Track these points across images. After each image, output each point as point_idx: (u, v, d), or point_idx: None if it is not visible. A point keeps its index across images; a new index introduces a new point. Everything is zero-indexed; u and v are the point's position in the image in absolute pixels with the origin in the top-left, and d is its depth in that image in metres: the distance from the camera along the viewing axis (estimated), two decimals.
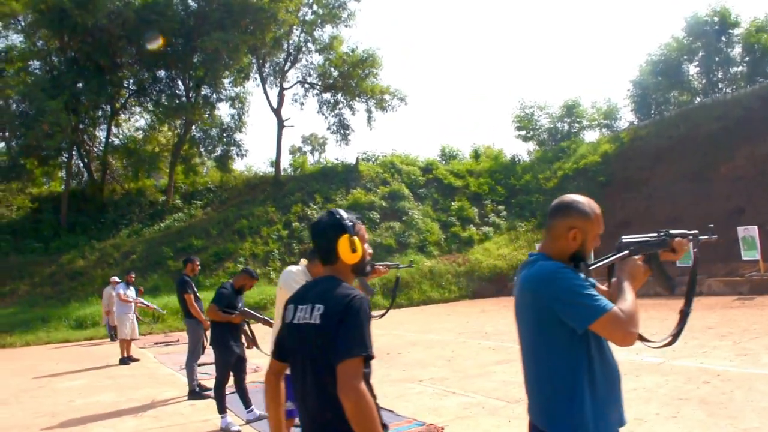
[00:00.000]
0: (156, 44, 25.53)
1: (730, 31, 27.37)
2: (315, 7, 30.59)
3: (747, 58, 27.38)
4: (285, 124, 30.86)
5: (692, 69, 29.47)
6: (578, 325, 2.09)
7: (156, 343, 14.55)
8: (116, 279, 16.05)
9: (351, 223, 2.35)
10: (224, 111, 64.23)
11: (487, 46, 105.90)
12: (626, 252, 2.48)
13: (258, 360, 9.43)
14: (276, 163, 31.09)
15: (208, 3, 26.92)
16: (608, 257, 2.48)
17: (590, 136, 34.23)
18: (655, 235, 2.58)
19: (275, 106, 30.74)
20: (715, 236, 2.80)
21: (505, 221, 27.63)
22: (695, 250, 2.61)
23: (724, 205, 18.65)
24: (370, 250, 2.46)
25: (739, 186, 19.48)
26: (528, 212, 27.64)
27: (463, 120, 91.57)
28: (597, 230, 2.36)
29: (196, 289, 8.41)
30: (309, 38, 31.04)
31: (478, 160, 33.76)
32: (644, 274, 2.49)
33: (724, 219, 17.18)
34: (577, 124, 34.85)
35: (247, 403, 6.66)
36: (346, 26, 31.23)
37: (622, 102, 33.75)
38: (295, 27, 29.94)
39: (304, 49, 31.35)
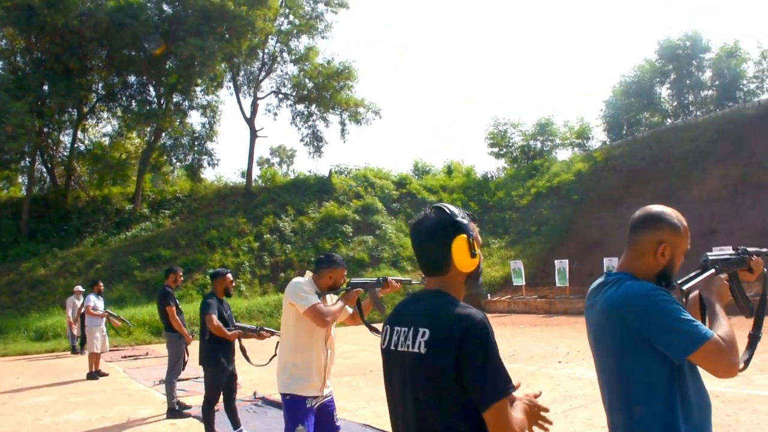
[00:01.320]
0: (158, 48, 24.86)
1: (702, 55, 28.10)
2: (291, 18, 30.34)
3: (717, 82, 28.07)
4: (258, 134, 30.42)
5: (664, 91, 30.18)
6: (676, 355, 1.89)
7: (124, 357, 13.90)
8: (80, 288, 15.41)
9: (466, 221, 1.87)
10: (195, 119, 63.45)
11: (462, 63, 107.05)
12: (713, 271, 2.26)
13: (240, 377, 8.97)
14: (248, 174, 30.56)
15: (183, 8, 26.33)
16: (695, 275, 2.27)
17: (563, 154, 34.60)
18: (734, 252, 2.38)
19: (248, 115, 30.28)
20: None
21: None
22: (766, 269, 2.43)
23: (696, 226, 18.42)
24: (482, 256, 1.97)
25: (711, 207, 19.72)
26: (501, 229, 27.62)
27: (437, 135, 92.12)
28: (686, 245, 2.14)
29: (177, 302, 7.96)
30: (284, 48, 30.74)
31: (451, 176, 33.79)
32: (728, 295, 2.28)
33: (696, 240, 17.17)
34: (549, 143, 35.16)
35: (236, 423, 6.24)
36: (322, 37, 31.07)
37: (594, 122, 34.26)
38: (270, 36, 29.55)
39: (279, 59, 31.04)
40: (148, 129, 28.93)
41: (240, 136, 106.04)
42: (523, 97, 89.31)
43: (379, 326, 4.20)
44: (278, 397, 8.13)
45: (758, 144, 20.19)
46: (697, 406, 1.97)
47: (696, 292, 2.26)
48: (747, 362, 2.24)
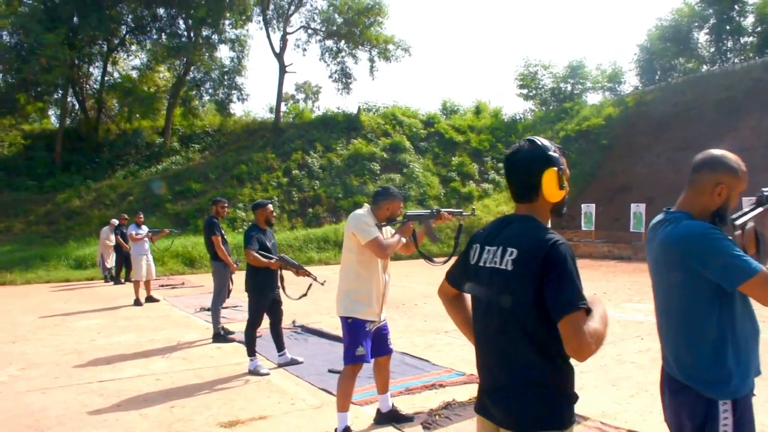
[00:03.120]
0: None
1: (744, 0, 26.98)
2: None
3: (759, 29, 27.14)
4: (287, 69, 30.23)
5: (702, 36, 29.26)
6: (729, 285, 2.06)
7: (162, 286, 14.42)
8: (115, 221, 15.87)
9: (557, 155, 2.02)
10: (224, 53, 62.84)
11: (494, 1, 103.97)
12: (767, 206, 2.41)
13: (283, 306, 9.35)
14: (276, 109, 30.59)
15: None
16: (749, 210, 2.43)
17: (593, 98, 34.06)
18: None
19: (277, 50, 30.05)
20: None
21: (504, 179, 27.44)
22: None
23: None
24: (568, 188, 2.11)
25: (743, 157, 19.21)
26: None
27: (466, 75, 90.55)
28: (742, 188, 2.29)
29: (223, 231, 8.25)
30: None
31: (479, 116, 33.47)
32: None
33: None
34: (580, 86, 34.55)
35: (280, 346, 6.64)
36: None
37: (627, 66, 33.51)
38: None
39: None
40: (177, 63, 28.88)
41: (268, 71, 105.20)
42: (555, 39, 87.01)
43: (439, 260, 4.41)
44: (315, 325, 8.55)
45: None
46: (744, 332, 2.16)
47: (752, 225, 2.41)
48: None
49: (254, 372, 6.23)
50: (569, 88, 34.76)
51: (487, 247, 2.06)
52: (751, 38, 27.93)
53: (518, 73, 35.43)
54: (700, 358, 2.15)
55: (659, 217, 2.38)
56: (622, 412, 4.77)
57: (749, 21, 27.72)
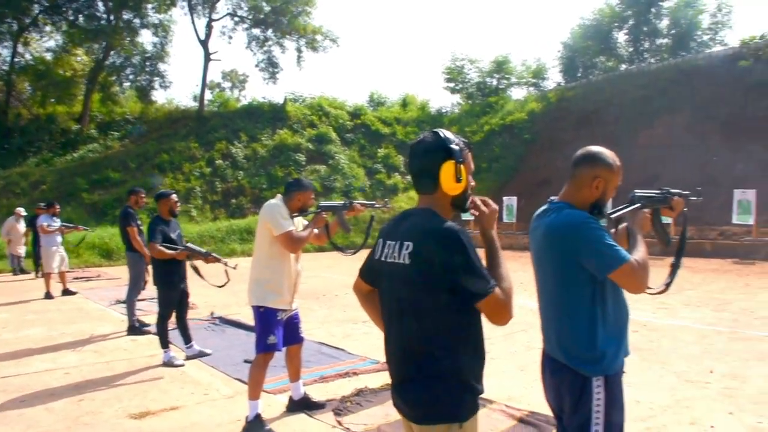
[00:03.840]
0: None
1: (660, 3, 28.38)
2: None
3: (673, 31, 28.52)
4: (212, 57, 29.59)
5: (621, 36, 30.49)
6: (600, 273, 2.25)
7: (76, 278, 13.92)
8: (21, 211, 15.23)
9: (458, 148, 2.04)
10: (146, 39, 60.52)
11: None
12: (638, 205, 2.64)
13: (194, 298, 9.23)
14: (200, 98, 29.92)
15: None
16: (623, 208, 2.65)
17: (517, 93, 34.88)
18: (659, 191, 2.75)
19: (202, 37, 29.42)
20: (701, 198, 3.08)
21: None
22: (686, 209, 2.82)
23: (640, 171, 19.52)
24: (473, 183, 2.16)
25: (656, 153, 20.48)
26: None
27: (394, 67, 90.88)
28: (617, 181, 2.49)
29: (140, 222, 8.07)
30: None
31: (406, 109, 33.79)
32: (649, 227, 2.67)
33: (639, 184, 17.95)
34: (505, 81, 35.34)
35: (187, 338, 6.59)
36: None
37: (550, 62, 34.53)
38: None
39: None
40: (96, 46, 27.76)
41: (193, 58, 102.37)
42: (482, 34, 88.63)
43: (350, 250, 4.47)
44: (234, 317, 8.51)
45: (705, 94, 20.85)
46: (614, 315, 2.36)
47: (625, 224, 2.62)
48: (667, 286, 2.70)
49: (168, 364, 6.18)
50: (495, 82, 35.52)
51: (387, 242, 2.10)
52: (666, 40, 29.37)
53: (445, 67, 35.92)
54: (576, 339, 2.31)
55: (543, 207, 2.56)
56: (527, 395, 5.00)
57: (664, 24, 29.14)
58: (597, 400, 2.28)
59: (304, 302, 9.89)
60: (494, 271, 1.99)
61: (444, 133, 2.08)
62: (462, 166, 2.03)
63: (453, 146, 2.03)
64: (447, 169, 2.01)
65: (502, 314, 1.93)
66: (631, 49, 30.41)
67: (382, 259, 2.10)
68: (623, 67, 29.46)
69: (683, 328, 7.54)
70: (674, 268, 2.70)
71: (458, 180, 2.02)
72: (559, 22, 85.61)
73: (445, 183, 2.02)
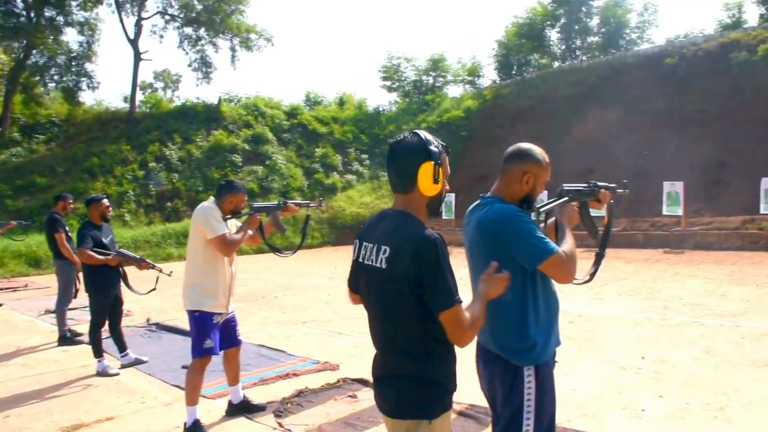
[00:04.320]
0: None
1: (591, 2, 29.37)
2: None
3: (603, 30, 29.53)
4: (142, 57, 28.78)
5: (554, 35, 31.32)
6: (529, 264, 2.32)
7: (1, 289, 13.31)
8: None
9: (437, 150, 2.07)
10: (72, 37, 58.41)
11: None
12: (566, 198, 2.72)
13: (130, 305, 9.00)
14: (131, 99, 29.01)
15: None
16: (552, 201, 2.72)
17: (454, 91, 35.33)
18: (586, 185, 2.85)
19: (132, 36, 28.52)
20: (627, 190, 3.21)
21: (368, 170, 28.04)
22: (612, 201, 2.94)
23: (574, 165, 20.12)
24: (448, 186, 2.21)
25: (589, 148, 21.14)
26: None
27: (330, 67, 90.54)
28: (546, 177, 2.56)
29: (68, 228, 7.79)
30: None
31: (342, 108, 33.74)
32: (577, 219, 2.76)
33: (573, 178, 18.54)
34: (442, 79, 35.76)
35: (122, 347, 6.41)
36: None
37: (486, 60, 35.08)
38: None
39: None
40: (16, 45, 26.57)
41: (123, 58, 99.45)
42: (417, 33, 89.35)
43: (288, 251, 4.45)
44: (171, 322, 8.34)
45: (634, 90, 21.64)
46: (545, 306, 2.43)
47: (554, 217, 2.71)
48: (592, 275, 2.80)
49: (102, 373, 5.99)
50: (431, 80, 35.88)
51: (364, 243, 2.13)
52: (596, 38, 30.35)
53: (382, 66, 36.10)
54: (508, 329, 2.38)
55: (476, 202, 2.62)
56: (466, 388, 5.05)
57: (595, 22, 30.10)
58: (528, 389, 2.34)
59: (243, 305, 9.84)
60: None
61: (424, 134, 2.10)
62: (440, 168, 2.07)
63: (432, 148, 2.06)
64: (425, 170, 2.04)
65: (462, 330, 1.97)
66: (563, 47, 31.30)
67: (360, 260, 2.14)
68: (556, 64, 30.29)
69: (617, 317, 7.82)
70: (598, 257, 2.81)
71: (436, 181, 2.06)
72: (493, 21, 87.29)
73: (422, 184, 2.05)
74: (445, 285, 1.93)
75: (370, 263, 2.07)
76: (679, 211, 16.12)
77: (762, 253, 13.80)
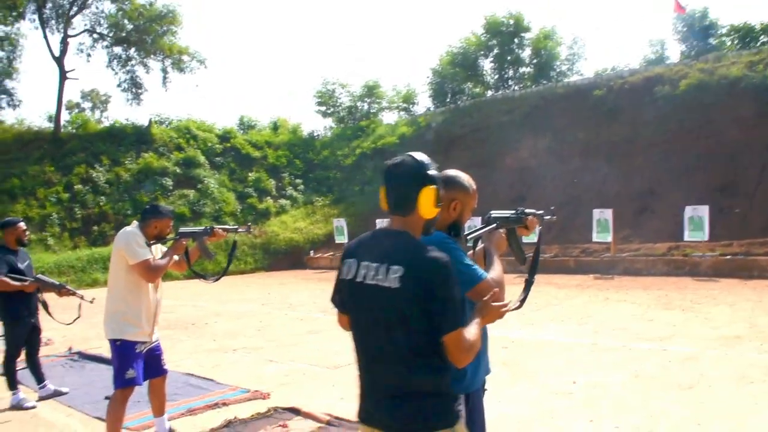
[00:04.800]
0: None
1: (523, 34, 30.35)
2: None
3: (534, 61, 30.60)
4: (68, 75, 27.85)
5: (487, 64, 32.06)
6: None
7: None
8: None
9: (436, 174, 2.14)
10: None
11: (292, 19, 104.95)
12: (494, 225, 2.79)
13: (50, 333, 8.62)
14: (56, 118, 27.89)
15: None
16: (480, 229, 2.78)
17: (389, 117, 35.66)
18: (514, 212, 2.94)
19: (57, 54, 27.58)
20: (555, 217, 3.33)
21: (302, 195, 27.91)
22: (540, 228, 3.03)
23: (507, 192, 20.65)
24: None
25: (521, 175, 21.68)
26: (325, 187, 28.27)
27: (264, 91, 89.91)
28: (473, 203, 2.63)
29: None
30: None
31: (276, 132, 33.55)
32: (505, 246, 2.83)
33: (506, 205, 18.95)
34: (376, 105, 36.07)
35: (39, 378, 6.11)
36: None
37: (420, 88, 35.63)
38: None
39: None
40: None
41: (47, 76, 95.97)
42: (352, 59, 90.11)
43: (212, 277, 4.37)
44: (95, 351, 8.03)
45: (564, 120, 22.32)
46: None
47: (482, 245, 2.77)
48: (522, 301, 2.81)
49: (17, 407, 5.69)
50: (366, 106, 36.17)
51: (364, 263, 2.11)
52: (528, 69, 31.36)
53: (317, 91, 36.15)
54: None
55: None
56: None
57: (527, 53, 31.16)
58: None
59: (171, 332, 9.58)
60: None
61: (422, 157, 2.16)
62: (439, 191, 2.13)
63: (432, 172, 2.12)
64: (427, 194, 2.09)
65: (465, 352, 2.01)
66: (496, 77, 32.12)
67: (358, 279, 2.11)
68: (489, 93, 31.01)
69: (550, 342, 7.98)
70: (528, 284, 2.85)
71: (438, 205, 2.12)
72: (427, 50, 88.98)
73: (423, 207, 2.10)
74: (454, 306, 1.98)
75: (375, 283, 2.05)
76: (609, 238, 16.58)
77: (686, 278, 14.34)
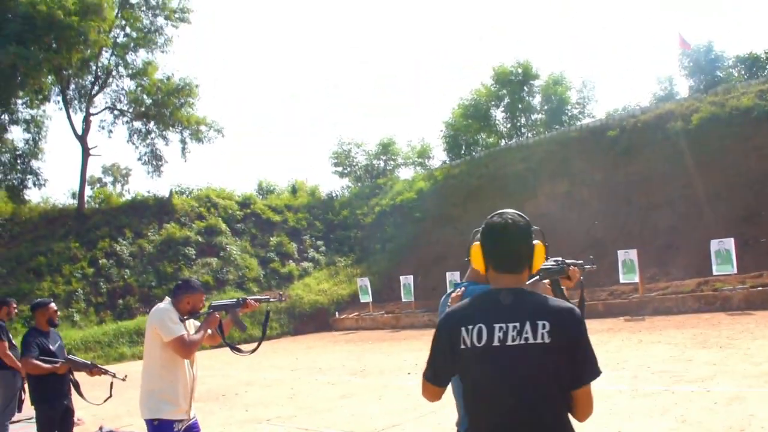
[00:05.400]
0: None
1: (532, 82, 30.75)
2: (129, 30, 28.86)
3: (545, 107, 30.89)
4: (91, 152, 28.50)
5: (499, 114, 32.40)
6: None
7: None
8: None
9: (537, 229, 2.25)
10: (17, 135, 57.69)
11: (305, 82, 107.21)
12: (537, 277, 2.70)
13: (81, 412, 8.46)
14: (80, 195, 28.42)
15: (2, 12, 24.16)
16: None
17: (405, 173, 35.95)
18: (555, 263, 2.85)
19: (80, 132, 28.29)
20: (595, 266, 3.25)
21: (324, 256, 27.92)
22: (582, 277, 2.94)
23: None
24: None
25: (541, 222, 21.33)
26: (347, 247, 28.28)
27: (282, 155, 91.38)
28: None
29: (11, 336, 7.35)
30: (120, 62, 29.01)
31: (295, 195, 33.85)
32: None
33: None
34: (392, 162, 36.46)
35: None
36: (162, 52, 29.75)
37: (434, 142, 35.93)
38: (105, 49, 27.90)
39: (114, 72, 29.18)
40: None
41: (70, 153, 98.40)
42: (366, 118, 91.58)
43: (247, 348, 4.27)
44: (126, 429, 7.86)
45: (580, 164, 22.35)
46: None
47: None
48: None
49: None
50: (382, 164, 36.52)
51: (499, 325, 2.03)
52: (540, 115, 31.62)
53: (332, 152, 36.65)
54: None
55: (451, 289, 2.66)
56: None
57: (537, 100, 31.47)
58: None
59: (203, 404, 9.37)
60: None
61: (521, 214, 2.20)
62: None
63: (535, 227, 2.21)
64: (539, 251, 2.17)
65: (592, 406, 2.07)
66: (509, 125, 32.39)
67: (495, 344, 2.02)
68: (503, 142, 31.20)
69: None
70: None
71: (547, 259, 2.26)
72: (440, 104, 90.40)
73: (537, 263, 2.18)
74: (593, 357, 2.03)
75: (520, 342, 2.00)
76: (636, 278, 16.28)
77: (719, 313, 13.95)
